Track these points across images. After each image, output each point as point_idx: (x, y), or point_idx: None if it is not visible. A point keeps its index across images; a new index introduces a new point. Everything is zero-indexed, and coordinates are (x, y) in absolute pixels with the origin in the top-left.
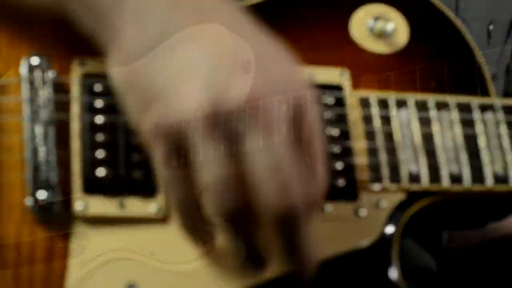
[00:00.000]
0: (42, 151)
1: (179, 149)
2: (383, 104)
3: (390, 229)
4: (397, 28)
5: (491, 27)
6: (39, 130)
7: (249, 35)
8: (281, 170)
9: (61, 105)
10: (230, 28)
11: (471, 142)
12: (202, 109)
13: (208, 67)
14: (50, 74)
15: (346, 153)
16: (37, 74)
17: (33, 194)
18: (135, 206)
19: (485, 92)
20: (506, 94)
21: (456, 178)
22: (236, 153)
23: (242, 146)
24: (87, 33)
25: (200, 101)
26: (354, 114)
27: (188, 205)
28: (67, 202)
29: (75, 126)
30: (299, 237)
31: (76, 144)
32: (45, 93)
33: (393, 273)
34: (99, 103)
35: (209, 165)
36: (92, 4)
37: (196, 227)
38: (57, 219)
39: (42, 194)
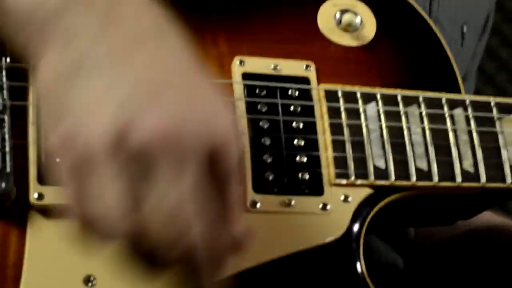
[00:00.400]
0: None
1: (81, 168)
2: (351, 97)
3: (356, 225)
4: (364, 21)
5: (464, 28)
6: None
7: (178, 65)
8: (181, 216)
9: (17, 92)
10: (160, 57)
11: (440, 138)
12: (108, 135)
13: (124, 94)
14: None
15: (311, 147)
16: None
17: None
18: None
19: (455, 90)
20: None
21: (424, 174)
22: (137, 188)
23: (145, 182)
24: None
25: (108, 127)
26: (320, 107)
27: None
28: (22, 192)
29: (32, 114)
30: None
31: (32, 133)
32: None
33: (359, 269)
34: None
35: (104, 193)
36: (23, 20)
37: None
38: (12, 210)
39: None
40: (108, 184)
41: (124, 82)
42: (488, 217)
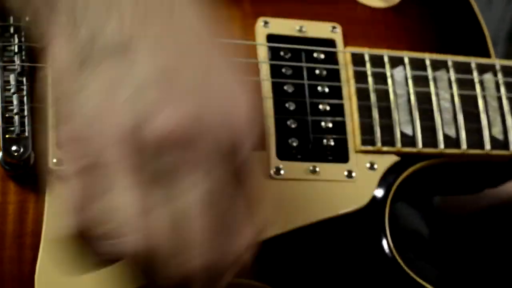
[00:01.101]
0: (15, 102)
1: (90, 169)
2: (378, 61)
3: (382, 193)
4: None
5: None
6: (12, 79)
7: (193, 44)
8: (185, 230)
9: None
10: (173, 36)
11: (469, 104)
12: (122, 134)
13: (135, 87)
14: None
15: (337, 113)
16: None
17: (5, 148)
18: None
19: (485, 54)
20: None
21: (452, 141)
22: (148, 193)
23: (157, 186)
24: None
25: (119, 128)
26: (346, 71)
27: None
28: (41, 157)
29: (51, 76)
30: None
31: (52, 95)
32: (16, 41)
33: (384, 238)
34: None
35: (114, 197)
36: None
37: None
38: (31, 176)
39: (14, 148)
40: (118, 188)
41: (135, 74)
42: None
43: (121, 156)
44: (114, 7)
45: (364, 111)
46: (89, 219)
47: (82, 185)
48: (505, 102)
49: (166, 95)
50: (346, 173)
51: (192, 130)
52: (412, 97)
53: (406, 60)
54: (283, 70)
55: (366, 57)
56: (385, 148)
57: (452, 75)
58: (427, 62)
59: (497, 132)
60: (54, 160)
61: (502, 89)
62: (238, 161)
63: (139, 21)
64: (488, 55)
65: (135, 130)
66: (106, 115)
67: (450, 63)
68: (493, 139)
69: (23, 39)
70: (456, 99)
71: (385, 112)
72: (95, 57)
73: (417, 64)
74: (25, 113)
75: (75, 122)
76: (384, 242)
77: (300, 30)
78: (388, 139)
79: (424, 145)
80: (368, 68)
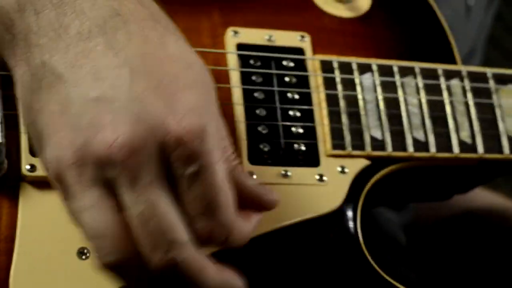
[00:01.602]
0: None
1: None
2: (346, 68)
3: (354, 195)
4: None
5: (470, 2)
6: None
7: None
8: (154, 221)
9: None
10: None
11: (436, 109)
12: (69, 154)
13: (80, 106)
14: None
15: (307, 118)
16: None
17: None
18: None
19: (451, 61)
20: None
21: (421, 145)
22: (110, 202)
23: (117, 194)
24: None
25: (67, 147)
26: (315, 78)
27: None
28: (14, 163)
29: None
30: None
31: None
32: None
33: (356, 240)
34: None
35: (83, 213)
36: None
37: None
38: (4, 182)
39: None
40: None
41: (81, 90)
42: (489, 198)
43: (75, 173)
44: (62, 36)
45: (334, 116)
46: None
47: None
48: (472, 107)
49: (104, 115)
50: (317, 176)
51: (131, 141)
52: (381, 103)
53: (374, 67)
54: (253, 77)
55: (335, 64)
56: (355, 152)
57: (420, 81)
58: (395, 69)
59: (465, 136)
60: (27, 166)
61: (469, 95)
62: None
63: (82, 55)
64: (454, 62)
65: (79, 148)
66: (56, 139)
67: (417, 70)
68: (461, 142)
69: None
70: (424, 104)
71: (355, 118)
72: (48, 80)
73: (385, 71)
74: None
75: (40, 145)
76: (357, 247)
77: (269, 39)
78: (358, 143)
79: (393, 148)
80: (337, 75)
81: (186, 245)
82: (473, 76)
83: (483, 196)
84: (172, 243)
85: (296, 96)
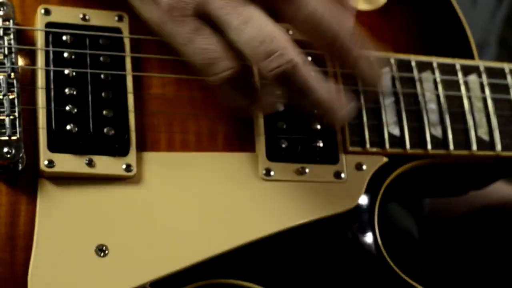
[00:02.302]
0: (6, 104)
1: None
2: None
3: (371, 193)
4: None
5: None
6: (2, 82)
7: None
8: (264, 31)
9: (26, 56)
10: None
11: (454, 105)
12: None
13: None
14: (12, 23)
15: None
16: None
17: None
18: (105, 164)
19: (469, 56)
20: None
21: (439, 142)
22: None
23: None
24: None
25: None
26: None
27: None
28: (32, 159)
29: (40, 79)
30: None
31: (41, 98)
32: (7, 43)
33: (374, 239)
34: (67, 54)
35: (191, 42)
36: None
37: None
38: (22, 178)
39: (6, 150)
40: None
41: None
42: (506, 191)
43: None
44: None
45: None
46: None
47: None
48: (489, 103)
49: None
50: (335, 174)
51: None
52: (400, 98)
53: (393, 61)
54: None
55: None
56: (373, 149)
57: (438, 77)
58: (413, 64)
59: (483, 133)
60: (46, 162)
61: (487, 90)
62: None
63: None
64: (472, 57)
65: None
66: None
67: (435, 65)
68: (479, 139)
69: (12, 41)
70: (442, 100)
71: (374, 113)
72: None
73: (403, 66)
74: (16, 115)
75: None
76: (374, 243)
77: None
78: (377, 140)
79: (411, 146)
80: None
81: (296, 50)
82: (490, 72)
83: (499, 190)
84: (284, 48)
85: None
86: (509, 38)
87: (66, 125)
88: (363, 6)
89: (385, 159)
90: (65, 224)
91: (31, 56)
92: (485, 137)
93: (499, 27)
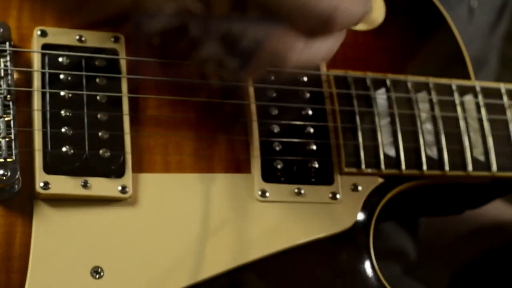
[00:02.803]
0: (2, 126)
1: None
2: (360, 84)
3: (366, 213)
4: (373, 5)
5: (474, 3)
6: None
7: None
8: None
9: (22, 77)
10: None
11: (450, 126)
12: None
13: None
14: (9, 45)
15: (322, 135)
16: None
17: None
18: (101, 185)
19: (465, 76)
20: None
21: (434, 163)
22: None
23: None
24: None
25: None
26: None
27: None
28: (28, 181)
29: (36, 101)
30: None
31: (37, 120)
32: (3, 65)
33: (369, 259)
34: (63, 76)
35: None
36: None
37: None
38: (18, 200)
39: (2, 172)
40: None
41: None
42: (501, 210)
43: None
44: None
45: (349, 133)
46: None
47: None
48: (485, 123)
49: None
50: (330, 195)
51: None
52: (396, 119)
53: (388, 82)
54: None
55: (350, 80)
56: (369, 170)
57: (434, 97)
58: (409, 84)
59: (479, 153)
60: (41, 184)
61: (483, 111)
62: None
63: None
64: (468, 77)
65: None
66: None
67: (431, 85)
68: (474, 160)
69: (8, 63)
70: (438, 120)
71: (370, 134)
72: None
73: (399, 86)
74: (12, 137)
75: None
76: (369, 264)
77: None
78: (372, 161)
79: (407, 167)
80: (352, 90)
81: None
82: (486, 92)
83: (495, 209)
84: None
85: (310, 112)
86: (510, 54)
87: (62, 147)
88: (359, 26)
89: (380, 180)
90: (60, 245)
91: (27, 78)
92: (481, 157)
93: (500, 43)
